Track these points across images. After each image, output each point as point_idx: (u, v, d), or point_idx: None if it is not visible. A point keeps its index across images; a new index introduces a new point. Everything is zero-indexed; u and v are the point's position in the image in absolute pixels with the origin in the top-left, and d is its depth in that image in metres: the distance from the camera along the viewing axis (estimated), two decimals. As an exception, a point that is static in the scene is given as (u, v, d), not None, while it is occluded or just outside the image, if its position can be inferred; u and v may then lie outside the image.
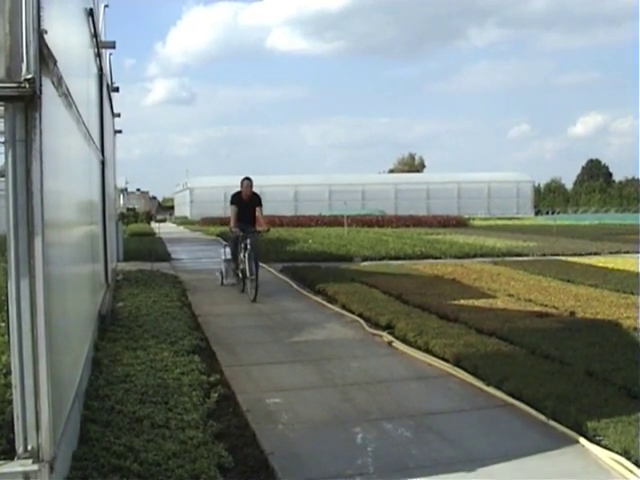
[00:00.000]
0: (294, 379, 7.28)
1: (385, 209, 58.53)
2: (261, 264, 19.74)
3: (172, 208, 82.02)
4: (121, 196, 44.72)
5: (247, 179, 13.54)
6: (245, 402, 6.33)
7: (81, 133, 6.85)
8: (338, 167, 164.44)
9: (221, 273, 14.81)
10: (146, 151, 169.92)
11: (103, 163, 11.48)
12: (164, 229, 38.89)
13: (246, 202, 13.35)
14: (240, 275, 13.46)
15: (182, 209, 69.60)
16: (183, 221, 57.15)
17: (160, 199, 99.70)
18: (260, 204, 13.52)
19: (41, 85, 3.55)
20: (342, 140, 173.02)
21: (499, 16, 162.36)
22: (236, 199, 13.40)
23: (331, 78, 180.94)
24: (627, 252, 22.18)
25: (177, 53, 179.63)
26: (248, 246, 12.73)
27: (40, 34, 3.53)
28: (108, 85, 14.19)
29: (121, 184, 43.89)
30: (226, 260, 14.56)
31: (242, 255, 13.04)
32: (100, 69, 11.15)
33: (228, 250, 14.44)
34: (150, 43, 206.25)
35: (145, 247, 22.02)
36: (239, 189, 13.49)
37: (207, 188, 63.87)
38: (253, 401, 6.40)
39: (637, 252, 21.61)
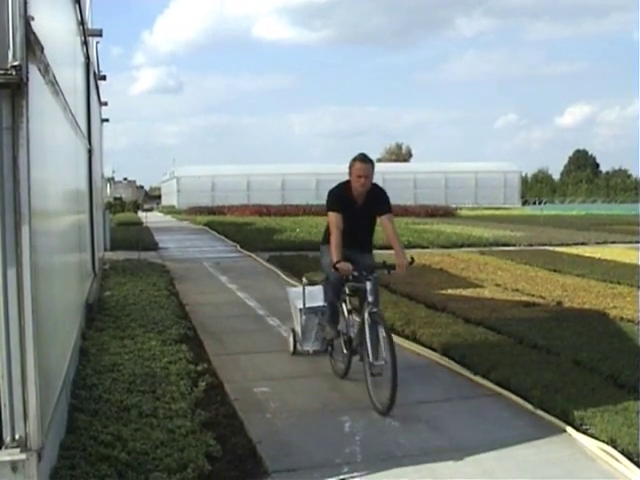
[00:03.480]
0: (282, 368, 7.28)
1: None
2: (247, 253, 19.87)
3: (159, 197, 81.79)
4: (108, 185, 44.48)
5: (362, 159, 6.49)
6: (233, 391, 6.33)
7: (68, 121, 6.81)
8: (326, 156, 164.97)
9: (293, 332, 7.88)
10: (133, 140, 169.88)
11: (90, 152, 11.42)
12: (151, 218, 38.76)
13: (360, 206, 6.58)
14: (344, 349, 6.77)
15: (169, 198, 69.36)
16: (170, 210, 56.97)
17: (147, 188, 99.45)
18: (388, 209, 6.67)
19: (28, 72, 3.52)
20: (330, 129, 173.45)
21: (486, 5, 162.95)
22: (339, 200, 6.57)
23: (319, 67, 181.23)
24: (614, 242, 22.31)
25: (164, 42, 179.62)
26: (369, 298, 6.17)
27: (27, 21, 3.50)
28: (95, 73, 14.11)
29: (108, 173, 43.74)
30: (308, 311, 7.56)
31: (345, 309, 6.85)
32: (87, 57, 11.07)
33: (313, 291, 7.59)
34: (137, 31, 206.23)
35: (132, 236, 21.98)
36: (346, 179, 6.67)
37: (194, 177, 63.69)
38: (241, 390, 6.39)
39: (624, 242, 21.79)
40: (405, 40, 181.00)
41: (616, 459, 4.68)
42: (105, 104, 19.52)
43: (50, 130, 5.09)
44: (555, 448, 5.01)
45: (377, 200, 6.63)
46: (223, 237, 25.63)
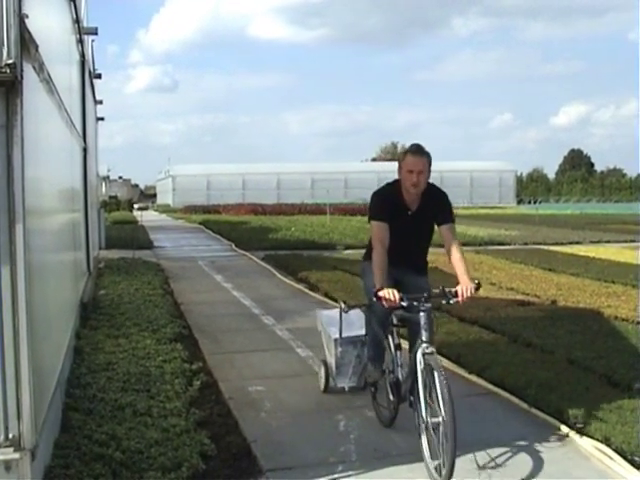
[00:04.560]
0: (277, 367, 7.27)
1: (368, 198, 58.49)
2: (242, 252, 19.85)
3: (154, 196, 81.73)
4: (103, 184, 44.45)
5: (414, 151, 5.04)
6: (227, 390, 6.32)
7: (63, 120, 6.79)
8: (321, 155, 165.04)
9: (325, 365, 6.46)
10: (128, 139, 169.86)
11: (85, 150, 11.40)
12: (146, 217, 38.72)
13: (413, 213, 5.18)
14: (391, 395, 5.31)
15: (164, 197, 69.35)
16: (165, 209, 56.96)
17: (142, 187, 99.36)
18: (450, 217, 5.15)
19: (22, 70, 3.51)
20: (326, 128, 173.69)
21: (482, 5, 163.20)
22: (386, 204, 5.19)
23: (315, 66, 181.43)
24: (608, 241, 22.35)
25: (160, 40, 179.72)
26: (422, 335, 4.74)
27: (21, 18, 3.49)
28: (90, 71, 14.09)
29: (103, 172, 43.63)
30: (344, 341, 6.20)
31: (392, 344, 5.35)
32: (82, 55, 11.05)
33: (350, 316, 6.20)
34: (133, 30, 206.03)
35: (127, 235, 21.97)
36: (395, 178, 5.26)
37: (189, 176, 63.72)
38: (235, 389, 6.39)
39: (618, 241, 21.84)
40: (401, 39, 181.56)
41: (610, 457, 4.69)
42: (100, 102, 19.49)
43: (45, 128, 5.07)
44: (549, 446, 5.02)
45: (435, 205, 5.15)
46: (218, 236, 25.63)
